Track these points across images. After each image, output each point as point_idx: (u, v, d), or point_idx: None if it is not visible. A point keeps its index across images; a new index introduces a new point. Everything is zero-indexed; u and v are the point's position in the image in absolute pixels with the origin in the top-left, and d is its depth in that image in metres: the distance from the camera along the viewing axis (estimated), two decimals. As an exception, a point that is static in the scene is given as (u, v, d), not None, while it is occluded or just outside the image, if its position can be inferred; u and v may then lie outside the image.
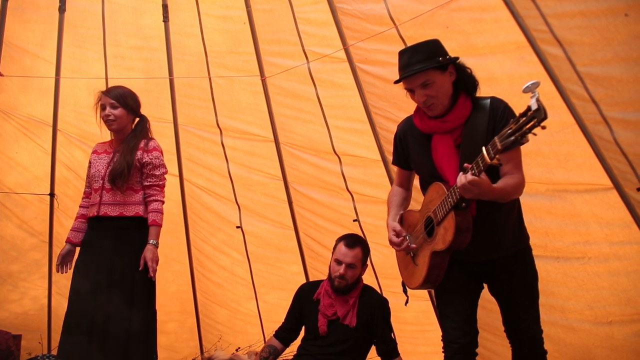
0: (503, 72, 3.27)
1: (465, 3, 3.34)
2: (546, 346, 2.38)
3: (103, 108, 3.15)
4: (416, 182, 2.62)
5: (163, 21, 4.52)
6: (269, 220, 4.78)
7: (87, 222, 3.18)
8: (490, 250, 2.32)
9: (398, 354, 3.11)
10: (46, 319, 4.81)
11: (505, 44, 3.22)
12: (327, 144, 4.33)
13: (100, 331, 2.92)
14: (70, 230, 3.24)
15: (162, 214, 3.14)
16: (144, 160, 3.12)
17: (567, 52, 2.99)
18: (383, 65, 3.89)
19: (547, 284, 3.29)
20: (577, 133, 3.09)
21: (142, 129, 3.24)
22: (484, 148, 1.93)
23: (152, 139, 3.24)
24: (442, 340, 2.45)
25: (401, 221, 2.56)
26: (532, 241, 2.44)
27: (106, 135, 3.35)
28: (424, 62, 2.21)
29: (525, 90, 1.80)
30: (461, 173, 2.03)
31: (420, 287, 2.45)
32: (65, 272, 3.18)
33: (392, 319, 3.17)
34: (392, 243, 2.50)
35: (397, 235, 2.47)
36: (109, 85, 4.52)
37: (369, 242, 3.31)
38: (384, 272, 4.32)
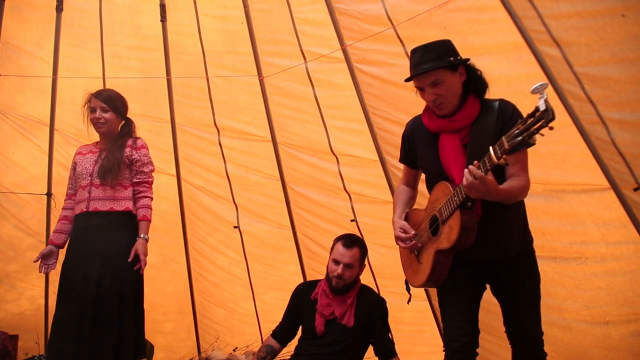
0: (500, 72, 3.27)
1: (462, 3, 3.34)
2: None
3: (93, 110, 3.18)
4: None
5: (160, 21, 4.52)
6: (266, 220, 4.77)
7: (74, 220, 3.18)
8: (496, 250, 2.32)
9: (395, 354, 3.11)
10: (43, 319, 4.79)
11: (503, 45, 3.22)
12: (325, 144, 4.33)
13: (90, 329, 2.93)
14: (53, 232, 3.24)
15: (151, 209, 3.21)
16: (133, 157, 3.17)
17: (565, 53, 3.00)
18: (381, 66, 3.90)
19: (544, 284, 3.26)
20: (575, 133, 3.10)
21: (129, 131, 3.29)
22: (491, 148, 1.95)
23: (139, 137, 3.30)
24: (443, 338, 2.46)
25: (406, 220, 2.58)
26: (530, 241, 2.45)
27: (93, 135, 3.35)
28: (435, 61, 2.23)
29: (534, 92, 1.80)
30: (467, 171, 2.04)
31: (424, 285, 2.46)
32: (47, 272, 3.18)
33: (389, 319, 3.17)
34: (398, 239, 2.51)
35: (405, 232, 2.48)
36: (107, 85, 4.52)
37: (366, 242, 3.31)
38: (381, 272, 4.32)
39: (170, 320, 5.04)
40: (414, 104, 3.74)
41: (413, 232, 2.47)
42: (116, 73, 4.55)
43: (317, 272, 4.52)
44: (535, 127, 1.79)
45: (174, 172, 4.80)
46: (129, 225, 3.13)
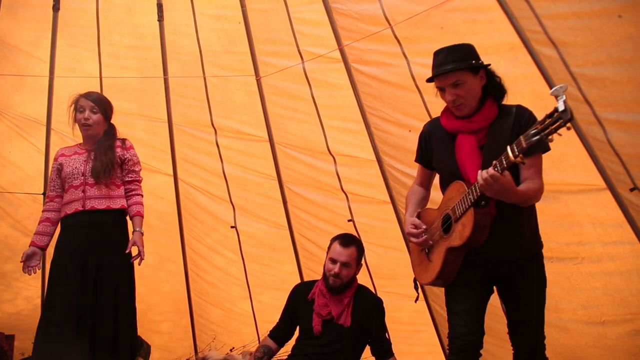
0: (497, 72, 3.26)
1: (460, 4, 3.35)
2: (539, 346, 2.40)
3: (82, 111, 3.19)
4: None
5: (158, 20, 4.51)
6: (263, 220, 4.77)
7: (65, 219, 3.17)
8: (508, 251, 2.35)
9: (392, 354, 3.11)
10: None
11: (500, 45, 3.23)
12: (322, 144, 4.33)
13: (90, 319, 2.98)
14: (35, 234, 3.21)
15: (143, 206, 3.31)
16: (125, 157, 3.26)
17: (561, 53, 3.00)
18: (378, 66, 3.90)
19: (540, 283, 3.31)
20: (571, 134, 3.09)
21: (114, 134, 3.34)
22: (508, 147, 1.99)
23: (125, 138, 3.36)
24: (447, 337, 2.46)
25: (418, 218, 2.60)
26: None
27: (78, 136, 3.36)
28: (457, 62, 2.29)
29: (554, 93, 1.85)
30: (481, 170, 2.08)
31: (432, 282, 2.48)
32: (30, 274, 3.16)
33: (386, 319, 3.17)
34: (409, 235, 2.53)
35: (416, 227, 2.50)
36: (104, 85, 4.53)
37: (363, 242, 3.31)
38: (378, 272, 4.32)
39: (167, 320, 5.03)
40: (411, 104, 3.79)
41: (424, 226, 2.48)
42: (113, 72, 4.54)
43: (314, 272, 4.52)
44: (554, 126, 1.85)
45: (171, 172, 4.79)
46: (124, 222, 3.24)
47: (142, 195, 3.32)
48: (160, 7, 4.49)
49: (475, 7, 3.31)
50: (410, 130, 3.84)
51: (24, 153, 4.66)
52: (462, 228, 2.26)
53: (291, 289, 3.33)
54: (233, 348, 4.68)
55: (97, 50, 4.53)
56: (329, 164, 4.35)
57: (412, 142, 3.84)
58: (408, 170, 3.95)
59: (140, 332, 4.36)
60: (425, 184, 2.71)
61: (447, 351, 2.47)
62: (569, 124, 1.82)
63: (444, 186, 2.51)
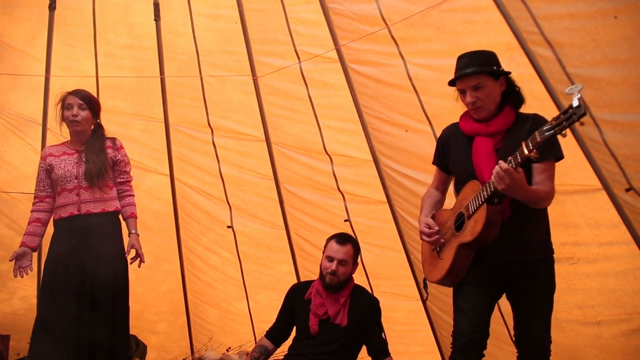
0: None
1: (456, 4, 3.35)
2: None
3: (69, 108, 3.18)
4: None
5: (154, 20, 4.50)
6: (260, 220, 4.77)
7: (58, 222, 3.17)
8: (518, 251, 2.38)
9: (389, 354, 3.11)
10: (35, 319, 4.77)
11: (496, 45, 3.23)
12: (319, 144, 4.33)
13: (89, 318, 3.02)
14: (25, 234, 3.20)
15: (136, 206, 3.35)
16: (116, 159, 3.28)
17: (557, 54, 3.01)
18: (374, 66, 3.90)
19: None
20: (567, 133, 3.11)
21: (102, 133, 3.34)
22: (523, 142, 2.07)
23: (115, 137, 3.36)
24: (451, 335, 2.48)
25: (433, 219, 2.66)
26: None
27: (66, 133, 3.35)
28: (480, 66, 2.38)
29: (569, 92, 1.95)
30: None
31: (441, 280, 2.51)
32: (22, 276, 3.15)
33: (382, 319, 3.17)
34: (422, 234, 2.58)
35: (429, 227, 2.55)
36: (100, 84, 4.51)
37: (359, 242, 3.32)
38: (374, 272, 4.33)
39: (163, 320, 5.02)
40: (407, 105, 3.79)
41: (437, 227, 2.54)
42: (109, 72, 4.53)
43: (310, 272, 4.52)
44: (568, 121, 1.93)
45: (167, 172, 4.78)
46: (119, 223, 3.28)
47: (133, 195, 3.35)
48: (156, 6, 4.48)
49: (472, 7, 3.32)
50: (407, 131, 3.85)
51: (20, 152, 4.65)
52: (474, 224, 2.32)
53: (288, 289, 3.33)
54: (229, 348, 4.68)
55: (94, 50, 4.52)
56: (326, 164, 4.35)
57: (408, 142, 3.87)
58: (405, 170, 3.96)
59: (136, 332, 4.38)
60: (441, 188, 2.76)
61: (451, 349, 2.46)
62: (582, 120, 1.90)
63: (458, 189, 2.58)
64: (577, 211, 3.25)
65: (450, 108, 3.54)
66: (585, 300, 3.33)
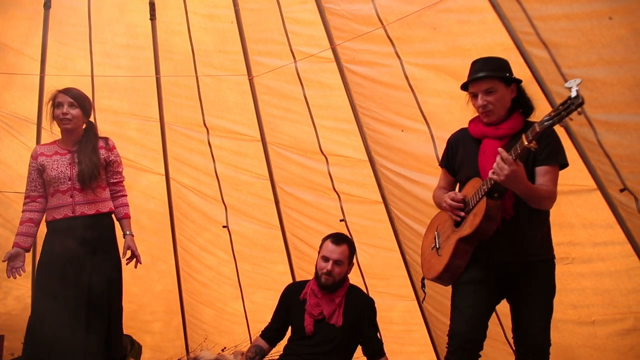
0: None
1: (452, 4, 3.36)
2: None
3: (60, 106, 3.16)
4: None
5: (150, 19, 4.49)
6: (255, 219, 4.77)
7: (52, 224, 3.15)
8: (519, 251, 2.40)
9: (384, 354, 3.11)
10: (29, 319, 4.75)
11: (492, 46, 3.24)
12: (314, 144, 4.33)
13: (85, 317, 3.02)
14: (18, 234, 3.17)
15: (129, 206, 3.37)
16: (110, 159, 3.27)
17: (553, 54, 3.02)
18: (370, 66, 3.90)
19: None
20: (562, 134, 3.11)
21: (95, 132, 3.31)
22: (523, 135, 2.12)
23: (107, 137, 3.35)
24: (447, 334, 2.47)
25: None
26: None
27: (57, 131, 3.34)
28: (493, 71, 2.45)
29: (568, 86, 2.03)
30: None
31: (440, 275, 2.52)
32: (15, 277, 3.12)
33: (378, 319, 3.17)
34: (450, 199, 2.50)
35: (455, 199, 2.50)
36: (95, 84, 4.50)
37: (355, 242, 3.32)
38: (370, 272, 4.33)
39: (159, 320, 5.01)
40: (403, 104, 3.79)
41: (462, 197, 2.49)
42: (105, 71, 4.51)
43: (306, 272, 4.52)
44: (566, 111, 2.01)
45: (163, 172, 4.77)
46: (113, 224, 3.28)
47: (126, 196, 3.37)
48: (152, 5, 4.47)
49: (467, 8, 3.32)
50: (403, 130, 3.85)
51: (14, 152, 4.62)
52: (474, 217, 2.36)
53: (283, 288, 3.33)
54: (225, 348, 4.68)
55: (89, 49, 4.50)
56: (321, 164, 4.35)
57: (404, 142, 3.88)
58: (400, 170, 3.96)
59: (131, 332, 4.37)
60: (448, 189, 2.78)
61: (446, 348, 2.46)
62: (579, 109, 1.98)
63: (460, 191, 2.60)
64: (572, 211, 3.26)
65: (446, 107, 3.57)
66: (579, 300, 3.34)
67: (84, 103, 3.21)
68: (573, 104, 1.98)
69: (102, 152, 3.23)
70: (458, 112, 3.42)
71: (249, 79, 4.47)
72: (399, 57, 3.71)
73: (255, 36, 4.39)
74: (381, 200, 4.19)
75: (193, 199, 4.82)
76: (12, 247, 3.14)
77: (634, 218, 3.05)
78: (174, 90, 4.65)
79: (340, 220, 4.35)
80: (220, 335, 4.84)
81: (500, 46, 3.21)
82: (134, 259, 3.27)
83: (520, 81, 2.51)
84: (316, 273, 3.11)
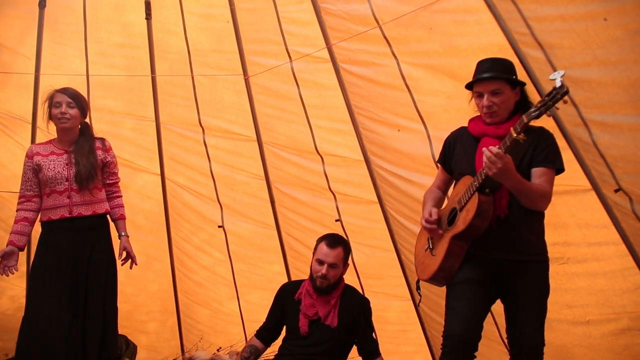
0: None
1: (448, 5, 3.36)
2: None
3: (58, 105, 3.15)
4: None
5: (145, 18, 4.48)
6: (251, 219, 4.76)
7: (48, 224, 3.14)
8: (513, 250, 2.41)
9: (379, 354, 3.11)
10: (24, 319, 4.73)
11: (488, 46, 3.25)
12: (310, 144, 4.33)
13: (79, 329, 3.02)
14: (12, 233, 3.15)
15: (124, 207, 3.39)
16: (106, 160, 3.28)
17: (548, 55, 3.03)
18: (366, 66, 3.90)
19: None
20: (557, 135, 3.11)
21: (91, 133, 3.33)
22: (511, 127, 2.16)
23: (104, 138, 3.35)
24: (442, 334, 2.47)
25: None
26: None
27: (53, 131, 3.33)
28: (501, 72, 2.47)
29: (552, 78, 2.08)
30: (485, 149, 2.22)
31: (434, 275, 2.53)
32: (7, 275, 3.11)
33: (373, 319, 3.18)
34: (424, 220, 2.60)
35: (431, 216, 2.59)
36: (90, 83, 4.48)
37: (350, 242, 3.32)
38: (365, 271, 4.33)
39: (154, 320, 5.00)
40: (400, 104, 3.79)
41: (437, 217, 2.58)
42: (100, 71, 4.50)
43: (301, 272, 4.52)
44: (552, 101, 2.04)
45: (158, 171, 4.76)
46: (108, 224, 3.29)
47: (122, 196, 3.39)
48: (148, 5, 4.46)
49: (463, 8, 3.33)
50: (399, 130, 3.85)
51: (9, 151, 4.60)
52: (466, 214, 2.38)
53: (278, 288, 3.32)
54: (220, 348, 4.67)
55: (84, 48, 4.49)
56: (317, 164, 4.35)
57: (399, 142, 3.88)
58: (396, 170, 3.96)
59: (126, 332, 4.36)
60: (442, 188, 2.81)
61: (441, 349, 2.45)
62: (565, 98, 2.01)
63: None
64: (566, 211, 3.27)
65: (443, 107, 3.57)
66: (574, 299, 3.35)
67: (81, 103, 3.22)
68: (558, 93, 2.02)
69: (99, 153, 3.23)
70: (454, 111, 3.43)
71: (245, 79, 4.47)
72: (395, 57, 3.71)
73: (251, 36, 4.39)
74: (377, 200, 4.19)
75: (188, 199, 4.82)
76: (7, 246, 3.12)
77: (629, 218, 3.06)
78: (169, 89, 4.64)
79: (336, 220, 4.35)
80: (215, 335, 4.83)
81: (495, 46, 3.22)
82: (130, 260, 3.29)
83: (524, 84, 2.52)
84: (311, 275, 3.11)
